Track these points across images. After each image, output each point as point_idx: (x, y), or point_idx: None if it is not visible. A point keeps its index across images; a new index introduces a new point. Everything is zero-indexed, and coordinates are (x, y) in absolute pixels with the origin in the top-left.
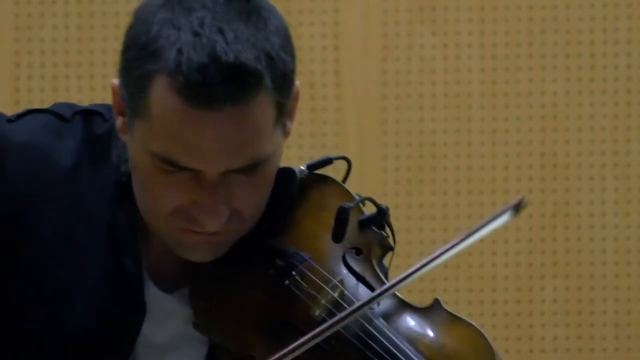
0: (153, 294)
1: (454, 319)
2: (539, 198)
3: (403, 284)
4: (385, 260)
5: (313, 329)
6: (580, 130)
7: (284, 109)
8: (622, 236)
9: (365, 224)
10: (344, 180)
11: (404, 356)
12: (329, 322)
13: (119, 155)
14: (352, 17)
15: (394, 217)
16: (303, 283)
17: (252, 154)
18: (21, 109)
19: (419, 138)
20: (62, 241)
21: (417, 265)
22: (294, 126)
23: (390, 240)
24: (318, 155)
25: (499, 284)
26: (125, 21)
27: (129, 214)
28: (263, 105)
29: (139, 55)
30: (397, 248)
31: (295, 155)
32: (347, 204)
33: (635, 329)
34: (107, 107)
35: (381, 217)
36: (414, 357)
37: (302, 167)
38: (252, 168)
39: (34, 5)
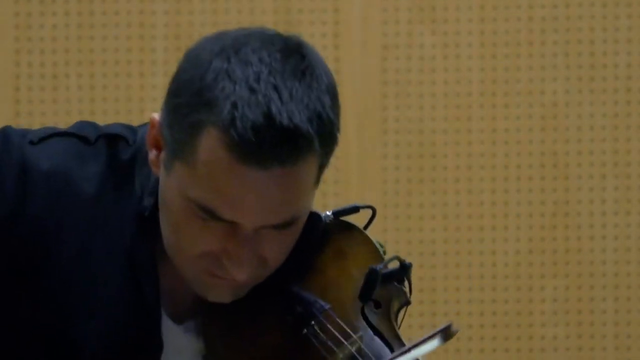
0: (164, 324)
1: None
2: (539, 197)
3: (422, 350)
4: (400, 314)
5: None
6: (580, 130)
7: (325, 168)
8: (622, 235)
9: (388, 278)
10: (366, 227)
11: None
12: None
13: (142, 184)
14: (352, 16)
15: (393, 216)
16: (321, 334)
17: (292, 212)
18: (21, 107)
19: (419, 137)
20: (81, 263)
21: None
22: None
23: (408, 294)
24: None
25: (499, 283)
26: (125, 20)
27: (150, 247)
28: (310, 167)
29: (191, 101)
30: (397, 248)
31: None
32: (379, 267)
33: (635, 327)
34: (131, 130)
35: (404, 272)
36: None
37: (327, 213)
38: (287, 225)
39: (34, 4)
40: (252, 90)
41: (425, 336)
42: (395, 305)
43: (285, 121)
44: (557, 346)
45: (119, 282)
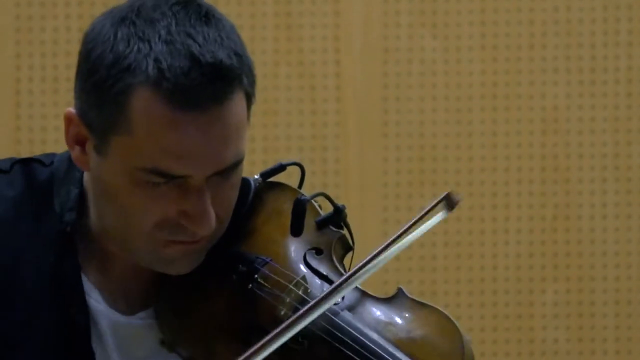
0: (116, 320)
1: (419, 305)
2: (540, 201)
3: (363, 273)
4: (347, 261)
5: None
6: (581, 133)
7: (251, 104)
8: (622, 239)
9: (323, 224)
10: (299, 187)
11: (373, 344)
12: (295, 315)
13: (62, 202)
14: (353, 19)
15: (394, 220)
16: (267, 285)
17: (235, 151)
18: (22, 111)
19: (419, 141)
20: (5, 292)
21: (373, 253)
22: (294, 128)
23: (348, 238)
24: (319, 159)
25: (500, 287)
26: None
27: (74, 263)
28: (240, 101)
29: (110, 73)
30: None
31: (296, 157)
32: (303, 197)
33: (636, 331)
34: (47, 154)
35: (338, 215)
36: (382, 344)
37: (255, 176)
38: (232, 169)
39: (34, 7)
40: (168, 42)
41: (426, 209)
42: (337, 249)
43: (210, 59)
44: (557, 350)
45: (45, 304)
